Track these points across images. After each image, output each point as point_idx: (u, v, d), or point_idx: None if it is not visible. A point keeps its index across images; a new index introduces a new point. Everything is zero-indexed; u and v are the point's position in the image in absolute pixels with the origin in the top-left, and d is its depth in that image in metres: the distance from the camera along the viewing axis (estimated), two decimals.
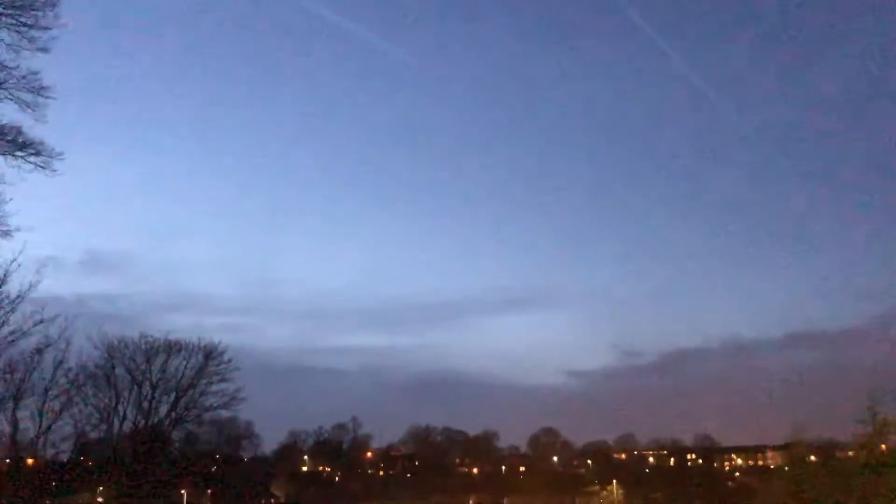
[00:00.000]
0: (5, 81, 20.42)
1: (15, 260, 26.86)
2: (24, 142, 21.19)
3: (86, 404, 59.76)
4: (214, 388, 65.05)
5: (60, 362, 53.80)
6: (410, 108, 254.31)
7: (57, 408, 56.13)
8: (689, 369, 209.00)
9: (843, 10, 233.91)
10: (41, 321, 37.34)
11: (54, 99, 20.87)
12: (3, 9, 19.38)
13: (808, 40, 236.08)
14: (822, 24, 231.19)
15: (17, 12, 19.41)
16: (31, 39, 19.79)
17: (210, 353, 64.82)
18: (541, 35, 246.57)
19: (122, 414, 62.56)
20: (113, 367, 62.08)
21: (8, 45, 20.31)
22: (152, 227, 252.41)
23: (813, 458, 44.16)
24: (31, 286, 29.59)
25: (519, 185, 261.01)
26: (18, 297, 29.85)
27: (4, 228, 22.28)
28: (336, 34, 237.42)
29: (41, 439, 55.45)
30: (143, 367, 63.48)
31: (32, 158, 21.37)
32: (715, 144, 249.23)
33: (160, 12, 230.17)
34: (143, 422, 63.28)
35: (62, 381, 55.72)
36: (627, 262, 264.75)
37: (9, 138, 21.06)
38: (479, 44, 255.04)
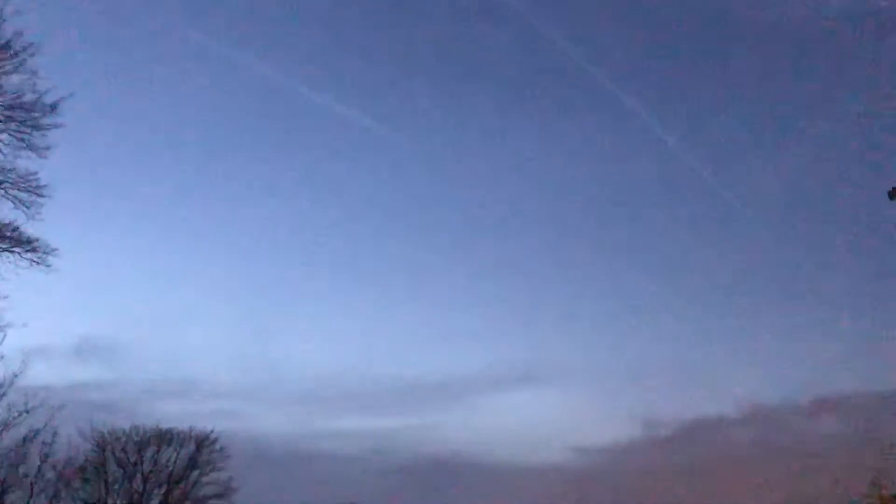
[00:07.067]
0: (3, 182, 20.75)
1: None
2: (20, 239, 21.32)
3: (74, 500, 57.88)
4: (207, 478, 63.65)
5: (47, 455, 52.33)
6: (405, 188, 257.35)
7: (44, 503, 54.23)
8: (708, 441, 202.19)
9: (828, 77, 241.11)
10: (27, 411, 36.69)
11: (50, 198, 21.16)
12: (4, 113, 19.94)
13: (795, 109, 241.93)
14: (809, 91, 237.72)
15: (18, 117, 19.94)
16: (32, 146, 20.28)
17: (202, 443, 63.69)
18: (527, 115, 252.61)
19: None
20: (104, 460, 60.63)
21: (7, 145, 20.75)
22: (149, 311, 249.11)
23: None
24: (14, 377, 29.02)
25: (520, 259, 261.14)
26: (0, 387, 29.23)
27: (2, 324, 22.23)
28: (332, 118, 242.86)
29: None
30: (133, 458, 62.03)
31: (28, 255, 21.45)
32: (727, 214, 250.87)
33: (151, 102, 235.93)
34: None
35: (49, 474, 54.06)
36: (640, 327, 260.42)
37: (6, 236, 21.24)
38: (471, 127, 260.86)
